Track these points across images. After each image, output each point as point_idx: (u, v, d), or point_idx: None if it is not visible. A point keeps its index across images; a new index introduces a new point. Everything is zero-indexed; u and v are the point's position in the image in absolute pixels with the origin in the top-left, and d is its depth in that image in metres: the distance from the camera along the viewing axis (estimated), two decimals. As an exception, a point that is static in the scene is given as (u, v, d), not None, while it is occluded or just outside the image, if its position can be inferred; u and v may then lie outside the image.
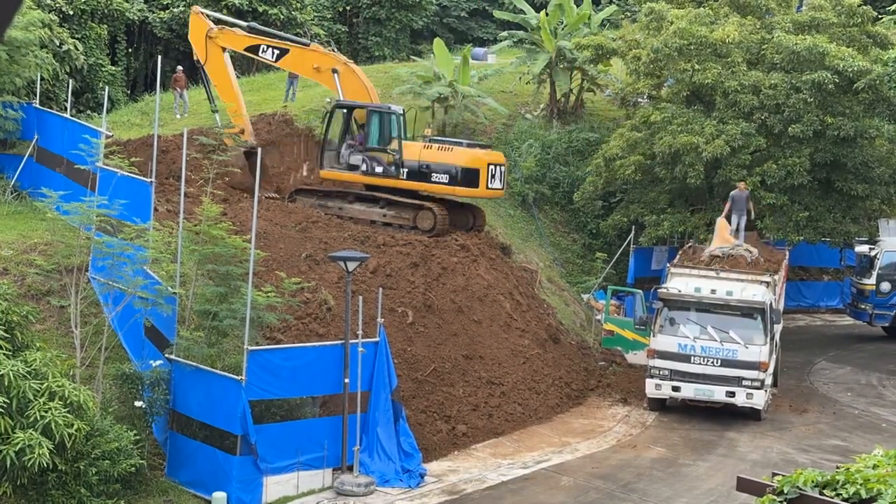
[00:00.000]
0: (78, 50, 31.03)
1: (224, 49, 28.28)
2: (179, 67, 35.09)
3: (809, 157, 28.14)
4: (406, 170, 26.56)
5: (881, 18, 32.51)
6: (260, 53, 28.03)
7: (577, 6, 37.78)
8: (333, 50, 30.34)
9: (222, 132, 28.01)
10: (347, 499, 18.47)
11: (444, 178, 26.22)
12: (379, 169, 26.87)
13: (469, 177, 26.06)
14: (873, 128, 28.40)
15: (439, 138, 27.91)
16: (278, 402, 18.72)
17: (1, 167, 26.42)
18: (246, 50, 28.40)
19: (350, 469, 19.03)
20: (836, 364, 30.08)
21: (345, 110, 27.66)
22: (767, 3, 30.98)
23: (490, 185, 26.36)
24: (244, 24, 29.47)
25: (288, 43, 28.45)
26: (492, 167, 26.34)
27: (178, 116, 33.69)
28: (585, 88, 37.39)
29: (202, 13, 28.73)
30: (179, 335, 18.60)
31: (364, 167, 26.96)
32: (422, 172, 26.43)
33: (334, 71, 27.44)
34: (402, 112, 27.47)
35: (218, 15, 30.65)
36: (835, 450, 22.03)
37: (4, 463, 14.96)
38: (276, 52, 27.86)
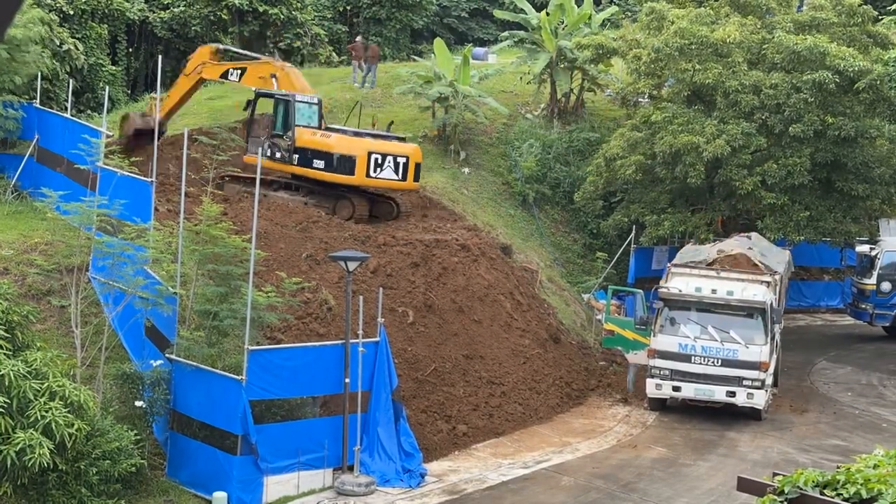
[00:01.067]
0: (78, 50, 31.05)
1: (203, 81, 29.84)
2: (359, 38, 39.88)
3: (810, 157, 28.14)
4: (297, 156, 27.06)
5: (882, 19, 32.46)
6: (230, 78, 29.20)
7: (578, 6, 37.76)
8: (274, 55, 30.89)
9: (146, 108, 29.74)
10: (348, 499, 18.47)
11: (321, 163, 26.70)
12: (278, 155, 27.29)
13: (344, 164, 26.42)
14: (874, 128, 28.40)
15: (336, 127, 28.11)
16: (279, 402, 18.72)
17: (1, 167, 26.41)
18: (220, 77, 29.47)
19: (350, 469, 19.03)
20: (836, 364, 30.07)
21: (262, 100, 28.53)
22: (768, 3, 30.97)
23: (373, 174, 26.64)
24: (239, 51, 31.04)
25: (245, 62, 29.49)
26: (376, 156, 26.56)
27: (364, 86, 37.43)
28: (586, 88, 37.38)
29: (218, 49, 30.07)
30: (180, 335, 18.60)
31: (269, 153, 27.31)
32: (306, 158, 26.90)
33: (273, 76, 28.39)
34: (307, 101, 27.83)
35: (229, 47, 31.72)
36: (835, 450, 22.03)
37: (5, 463, 14.96)
38: (238, 72, 29.03)
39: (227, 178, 27.93)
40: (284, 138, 27.36)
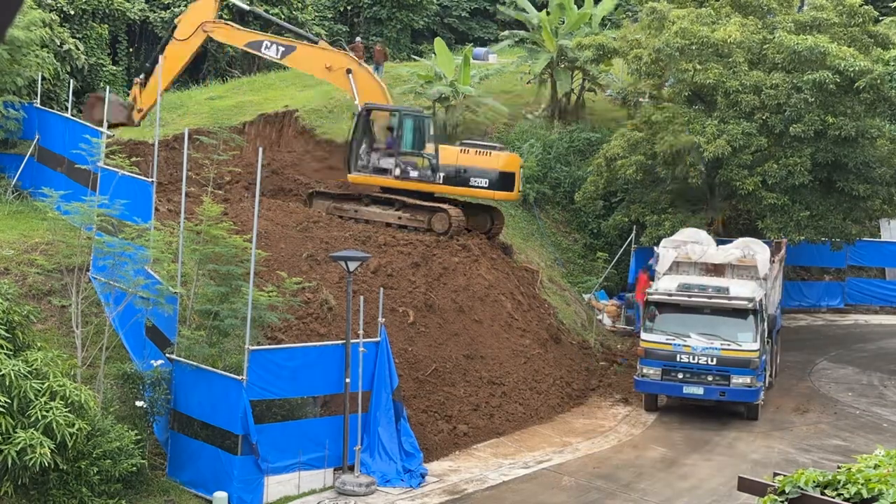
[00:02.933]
0: (79, 50, 31.04)
1: (206, 44, 27.39)
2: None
3: (810, 157, 28.13)
4: (442, 174, 26.64)
5: (882, 19, 32.41)
6: (263, 50, 26.89)
7: (579, 7, 37.74)
8: (343, 48, 30.22)
9: (129, 98, 27.77)
10: (348, 499, 18.47)
11: (483, 181, 26.38)
12: (414, 173, 26.83)
13: (505, 181, 26.42)
14: (874, 128, 28.38)
15: (472, 142, 27.94)
16: (279, 402, 18.74)
17: (2, 167, 26.42)
18: (247, 46, 27.23)
19: (351, 469, 19.03)
20: (837, 364, 30.04)
21: (373, 113, 27.17)
22: (769, 3, 30.95)
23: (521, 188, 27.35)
24: (246, 7, 29.36)
25: (293, 39, 27.63)
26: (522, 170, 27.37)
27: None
28: (587, 88, 37.39)
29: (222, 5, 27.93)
30: (180, 335, 18.60)
31: (398, 171, 26.87)
32: (460, 176, 26.53)
33: (348, 71, 26.53)
34: (430, 116, 27.90)
35: (239, 3, 29.78)
36: (836, 450, 22.02)
37: (6, 462, 14.98)
38: (282, 48, 26.73)
39: (315, 193, 27.65)
40: (423, 156, 26.90)
